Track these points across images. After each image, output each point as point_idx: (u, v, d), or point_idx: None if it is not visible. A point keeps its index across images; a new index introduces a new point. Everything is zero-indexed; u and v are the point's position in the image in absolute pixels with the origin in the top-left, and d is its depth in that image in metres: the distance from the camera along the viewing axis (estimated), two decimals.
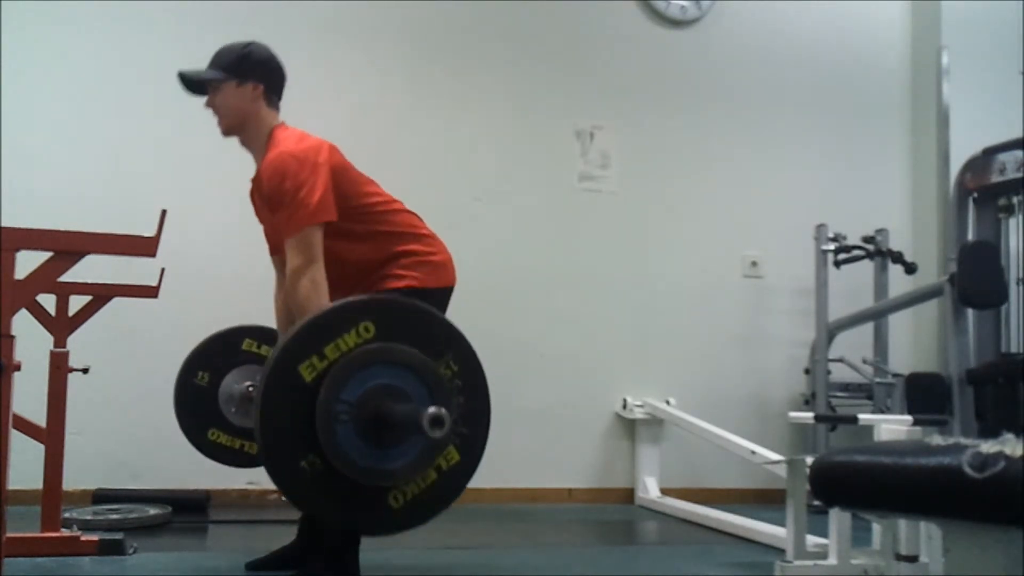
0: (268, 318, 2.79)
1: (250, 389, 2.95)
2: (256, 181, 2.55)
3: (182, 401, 3.01)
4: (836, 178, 4.85)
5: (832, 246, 4.37)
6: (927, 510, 0.94)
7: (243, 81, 2.50)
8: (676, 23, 4.69)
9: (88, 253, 1.95)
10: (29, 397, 2.47)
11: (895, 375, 4.14)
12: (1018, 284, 4.27)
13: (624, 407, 4.36)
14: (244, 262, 3.57)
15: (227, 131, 2.56)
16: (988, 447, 0.84)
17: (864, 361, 4.41)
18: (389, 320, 2.00)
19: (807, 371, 4.49)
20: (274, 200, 2.40)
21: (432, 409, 1.81)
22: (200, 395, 2.98)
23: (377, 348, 1.95)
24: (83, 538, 2.67)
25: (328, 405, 1.90)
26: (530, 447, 4.26)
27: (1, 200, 3.50)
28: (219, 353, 3.01)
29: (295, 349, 1.93)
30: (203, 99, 2.55)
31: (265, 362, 2.01)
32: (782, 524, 2.74)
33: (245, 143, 2.57)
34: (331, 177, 2.42)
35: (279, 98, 2.60)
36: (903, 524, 2.36)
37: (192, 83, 2.56)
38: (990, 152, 4.12)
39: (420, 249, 2.54)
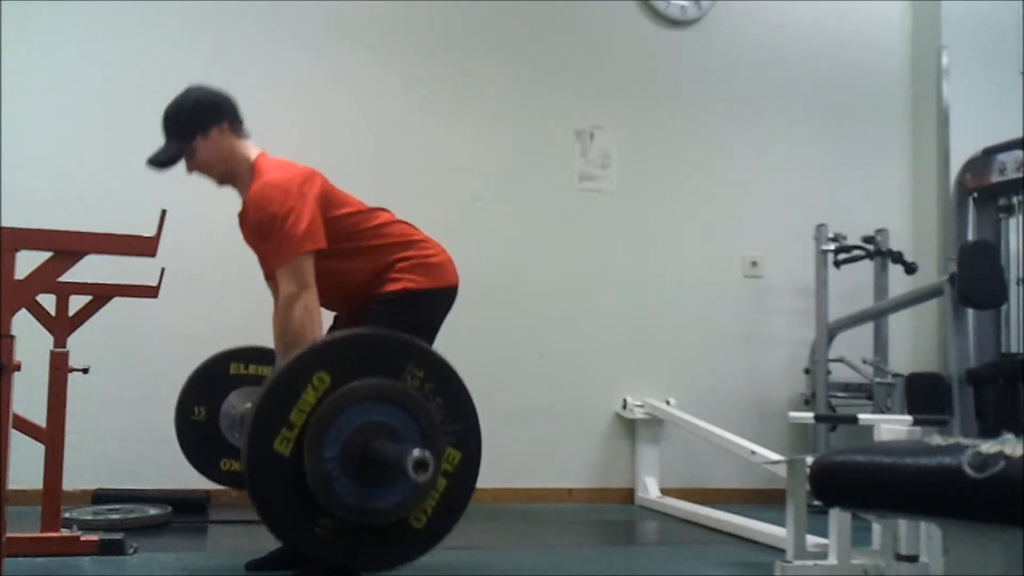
0: (268, 317, 2.79)
1: None
2: (243, 214, 2.53)
3: (186, 441, 3.00)
4: (836, 178, 4.85)
5: (832, 246, 4.37)
6: (927, 510, 0.94)
7: (206, 131, 2.47)
8: (676, 23, 4.69)
9: (88, 253, 1.95)
10: (29, 397, 2.46)
11: (895, 375, 4.14)
12: (1018, 284, 4.27)
13: (624, 407, 4.35)
14: (245, 262, 3.54)
15: (222, 181, 2.54)
16: (988, 447, 0.84)
17: (864, 361, 4.41)
18: (339, 361, 1.98)
19: (807, 371, 4.49)
20: (261, 232, 2.38)
21: (415, 453, 1.77)
22: (201, 430, 2.97)
23: (338, 395, 1.93)
24: (83, 538, 2.67)
25: (317, 470, 1.88)
26: (530, 447, 4.26)
27: (1, 200, 3.50)
28: (208, 384, 3.00)
29: (263, 427, 1.92)
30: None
31: (240, 446, 2.01)
32: (782, 524, 2.74)
33: (235, 185, 2.55)
34: (317, 203, 2.39)
35: (241, 123, 2.54)
36: (903, 524, 2.36)
37: (166, 162, 2.50)
38: (990, 152, 4.11)
39: (416, 254, 2.54)
